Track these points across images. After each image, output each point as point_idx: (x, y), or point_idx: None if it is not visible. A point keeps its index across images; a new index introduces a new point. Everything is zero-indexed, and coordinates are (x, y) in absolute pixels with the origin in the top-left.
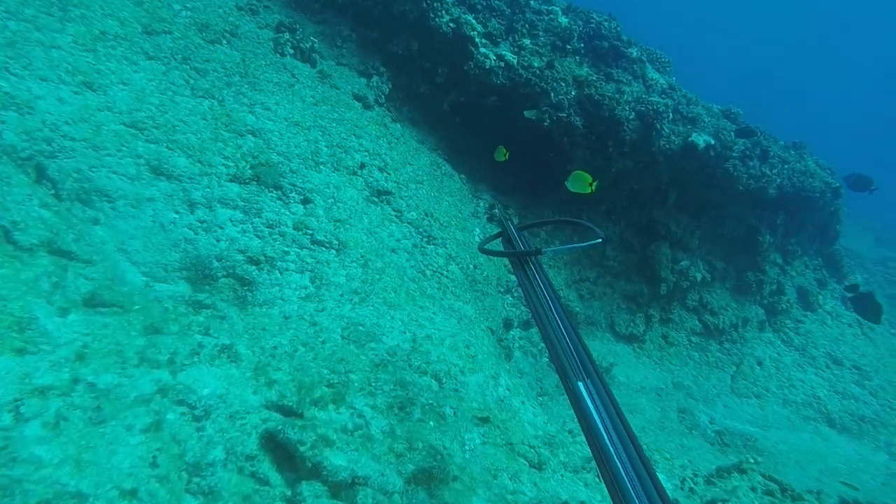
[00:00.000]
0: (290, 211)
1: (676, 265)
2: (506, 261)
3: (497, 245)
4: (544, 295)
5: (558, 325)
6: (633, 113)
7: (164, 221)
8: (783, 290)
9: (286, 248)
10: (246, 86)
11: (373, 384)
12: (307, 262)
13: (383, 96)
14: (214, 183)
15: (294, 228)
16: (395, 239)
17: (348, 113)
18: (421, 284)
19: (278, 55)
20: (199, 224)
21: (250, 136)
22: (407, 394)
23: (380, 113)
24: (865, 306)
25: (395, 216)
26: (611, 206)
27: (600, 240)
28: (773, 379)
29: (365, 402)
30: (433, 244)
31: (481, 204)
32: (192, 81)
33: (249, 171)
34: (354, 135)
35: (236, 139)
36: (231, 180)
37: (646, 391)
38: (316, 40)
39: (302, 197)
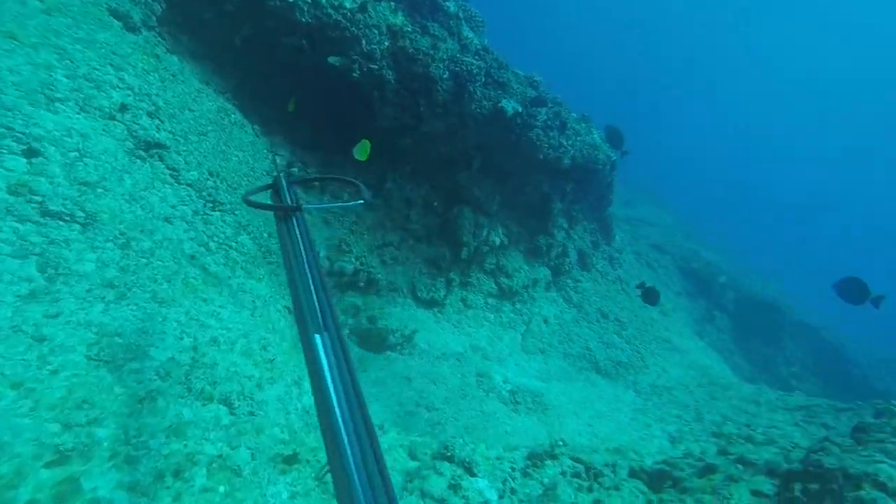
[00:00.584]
0: (3, 167)
1: (478, 230)
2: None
3: (265, 197)
4: (301, 250)
5: (309, 279)
6: (448, 72)
7: None
8: (567, 253)
9: None
10: None
11: (133, 441)
12: (32, 243)
13: (154, 17)
14: None
15: (10, 193)
16: (169, 205)
17: (102, 34)
18: (204, 261)
19: None
20: None
21: None
22: (185, 447)
23: (149, 39)
24: (650, 296)
25: (171, 176)
26: (417, 167)
27: (362, 201)
28: (556, 335)
29: (115, 482)
30: (220, 210)
31: (278, 161)
32: None
33: None
34: (112, 65)
35: None
36: None
37: (446, 357)
38: None
39: (25, 147)
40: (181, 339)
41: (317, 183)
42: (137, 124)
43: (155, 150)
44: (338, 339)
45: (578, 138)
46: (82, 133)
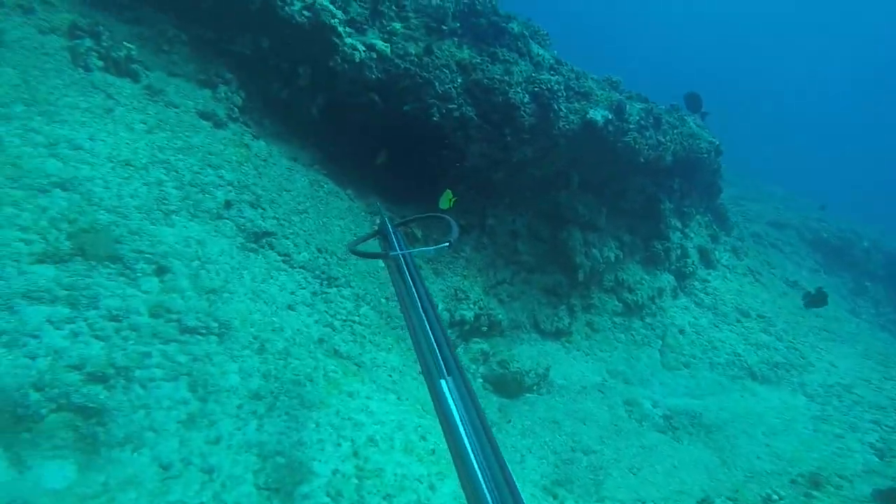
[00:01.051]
0: (140, 290)
1: (589, 248)
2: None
3: (373, 244)
4: (415, 295)
5: (426, 323)
6: (527, 95)
7: None
8: (687, 253)
9: (145, 349)
10: (38, 117)
11: None
12: (179, 363)
13: (236, 109)
14: (10, 270)
15: (151, 315)
16: (288, 293)
17: (196, 137)
18: (333, 343)
19: (81, 70)
20: None
21: (59, 190)
22: None
23: (236, 131)
24: (819, 300)
25: (284, 262)
26: (514, 198)
27: (447, 244)
28: (697, 345)
29: None
30: (335, 286)
31: (377, 220)
32: None
33: (67, 242)
34: (210, 165)
35: (36, 198)
36: (39, 261)
37: (588, 391)
38: (132, 46)
39: (154, 266)
40: (339, 445)
41: (412, 224)
42: (243, 217)
43: (264, 240)
44: (462, 382)
45: (675, 131)
46: (199, 240)
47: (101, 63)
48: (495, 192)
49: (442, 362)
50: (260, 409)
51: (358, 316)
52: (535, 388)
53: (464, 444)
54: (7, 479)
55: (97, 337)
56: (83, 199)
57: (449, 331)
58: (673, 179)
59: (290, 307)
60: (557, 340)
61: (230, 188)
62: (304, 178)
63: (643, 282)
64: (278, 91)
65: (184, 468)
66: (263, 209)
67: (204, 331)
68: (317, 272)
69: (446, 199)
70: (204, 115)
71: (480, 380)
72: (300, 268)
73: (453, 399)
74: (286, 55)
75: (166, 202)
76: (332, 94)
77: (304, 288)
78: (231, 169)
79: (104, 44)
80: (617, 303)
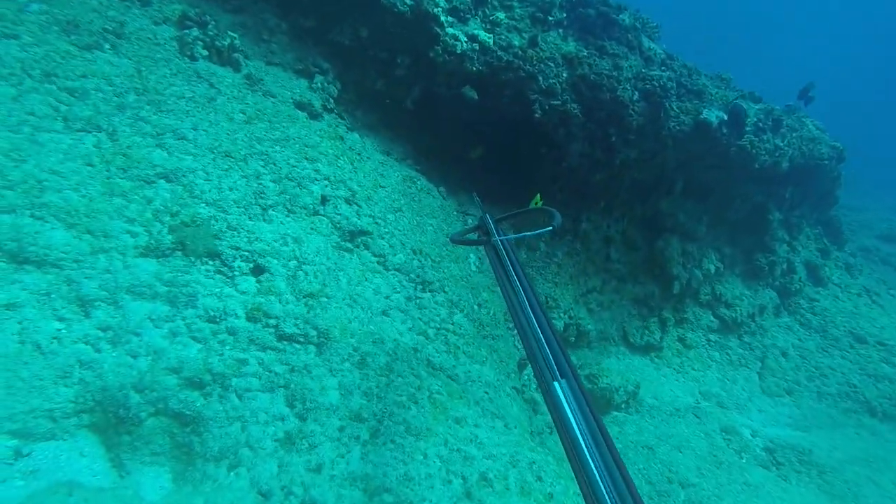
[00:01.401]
0: (237, 290)
1: (687, 259)
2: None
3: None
4: (524, 295)
5: (535, 324)
6: (637, 93)
7: (39, 339)
8: (794, 269)
9: (242, 355)
10: (147, 107)
11: None
12: (276, 374)
13: (332, 100)
14: (117, 263)
15: (249, 319)
16: (383, 297)
17: (293, 128)
18: (427, 353)
19: (187, 59)
20: (101, 333)
21: (163, 181)
22: None
23: (331, 122)
24: None
25: (379, 263)
26: (610, 201)
27: (550, 228)
28: (802, 370)
29: None
30: (430, 291)
31: (469, 221)
32: (63, 108)
33: (168, 236)
34: (306, 158)
35: (142, 189)
36: (142, 255)
37: (681, 413)
38: (235, 35)
39: (252, 265)
40: (450, 482)
41: (513, 219)
42: (339, 214)
43: (360, 239)
44: (576, 384)
45: (794, 134)
46: (295, 237)
47: (205, 52)
48: (591, 194)
49: (554, 362)
50: (363, 434)
51: (452, 324)
52: (623, 406)
53: (581, 450)
54: (109, 484)
55: (195, 339)
56: (185, 190)
57: None
58: (786, 188)
59: (384, 313)
60: (647, 356)
61: (326, 183)
62: (398, 173)
63: (743, 297)
64: (374, 82)
65: (284, 498)
66: (359, 206)
67: (302, 339)
68: (412, 275)
69: (534, 204)
70: (300, 106)
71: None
72: (395, 270)
73: (567, 402)
74: (385, 45)
75: (264, 196)
76: (429, 86)
77: (398, 292)
78: (327, 162)
79: (210, 33)
80: (713, 318)
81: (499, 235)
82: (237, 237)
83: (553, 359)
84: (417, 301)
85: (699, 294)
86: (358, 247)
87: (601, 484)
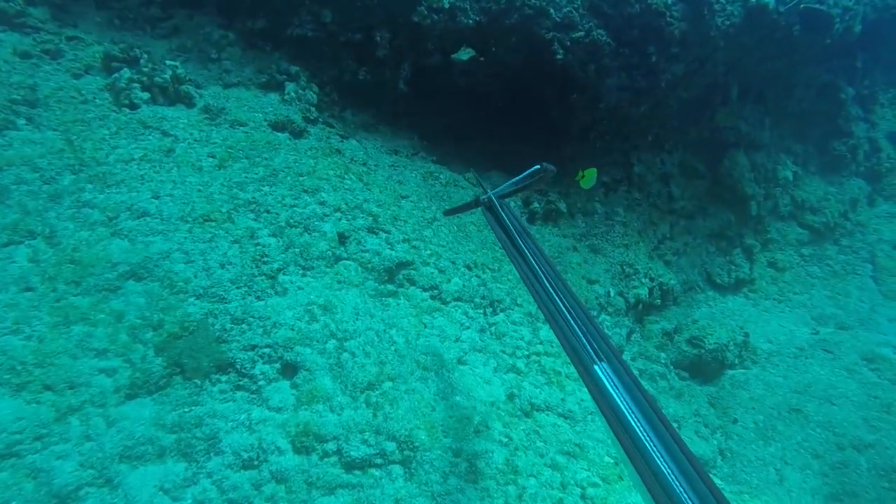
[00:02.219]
0: (270, 408)
1: (758, 172)
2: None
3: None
4: (542, 275)
5: (560, 304)
6: None
7: None
8: (878, 146)
9: None
10: (89, 186)
11: None
12: None
13: (312, 108)
14: (98, 422)
15: (298, 451)
16: (453, 341)
17: (278, 157)
18: (526, 396)
19: (126, 109)
20: None
21: (132, 283)
22: None
23: (320, 135)
24: None
25: (434, 299)
26: (658, 133)
27: (538, 167)
28: None
29: None
30: (502, 310)
31: (511, 204)
32: None
33: (158, 359)
34: (305, 190)
35: (107, 302)
36: (129, 397)
37: (806, 351)
38: (176, 64)
39: (278, 364)
40: None
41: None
42: (366, 251)
43: (401, 274)
44: (620, 365)
45: None
46: (323, 304)
47: (146, 95)
48: (636, 130)
49: (588, 345)
50: None
51: (540, 343)
52: (737, 362)
53: (640, 441)
54: None
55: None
56: (164, 286)
57: (627, 316)
58: (856, 56)
59: (460, 362)
60: (739, 293)
61: (338, 215)
62: (416, 173)
63: (828, 196)
64: (354, 72)
65: None
66: (387, 232)
67: (380, 460)
68: (476, 299)
69: (589, 179)
70: (278, 126)
71: (670, 368)
72: (454, 300)
73: (614, 387)
74: (356, 24)
75: (267, 259)
76: (419, 58)
77: (467, 327)
78: (331, 188)
79: (145, 69)
80: (800, 230)
81: (504, 212)
82: (249, 331)
83: (586, 341)
84: (492, 330)
85: (778, 207)
86: (402, 285)
87: (669, 476)
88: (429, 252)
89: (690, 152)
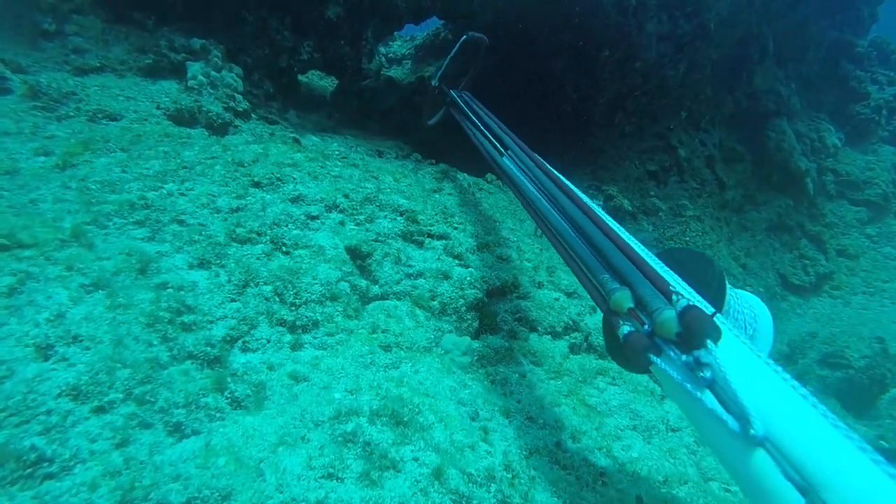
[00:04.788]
0: None
1: (804, 142)
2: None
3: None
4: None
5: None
6: None
7: None
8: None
9: None
10: None
11: None
12: None
13: (239, 96)
14: None
15: None
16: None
17: (189, 151)
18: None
19: None
20: None
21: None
22: None
23: (259, 130)
24: None
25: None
26: (691, 107)
27: (464, 37)
28: None
29: None
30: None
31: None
32: None
33: None
34: (255, 184)
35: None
36: None
37: None
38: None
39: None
40: None
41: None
42: (417, 275)
43: (504, 311)
44: (522, 152)
45: None
46: (331, 370)
47: None
48: (668, 106)
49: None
50: None
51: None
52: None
53: (540, 203)
54: None
55: None
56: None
57: None
58: (860, 7)
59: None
60: (821, 292)
61: (337, 215)
62: (419, 177)
63: (871, 165)
64: (295, 50)
65: None
66: (442, 237)
67: None
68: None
69: None
70: (182, 119)
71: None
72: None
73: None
74: None
75: (195, 326)
76: (388, 12)
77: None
78: (308, 176)
79: None
80: (855, 208)
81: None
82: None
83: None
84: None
85: (825, 185)
86: (514, 336)
87: (575, 240)
88: (475, 263)
89: (726, 131)
